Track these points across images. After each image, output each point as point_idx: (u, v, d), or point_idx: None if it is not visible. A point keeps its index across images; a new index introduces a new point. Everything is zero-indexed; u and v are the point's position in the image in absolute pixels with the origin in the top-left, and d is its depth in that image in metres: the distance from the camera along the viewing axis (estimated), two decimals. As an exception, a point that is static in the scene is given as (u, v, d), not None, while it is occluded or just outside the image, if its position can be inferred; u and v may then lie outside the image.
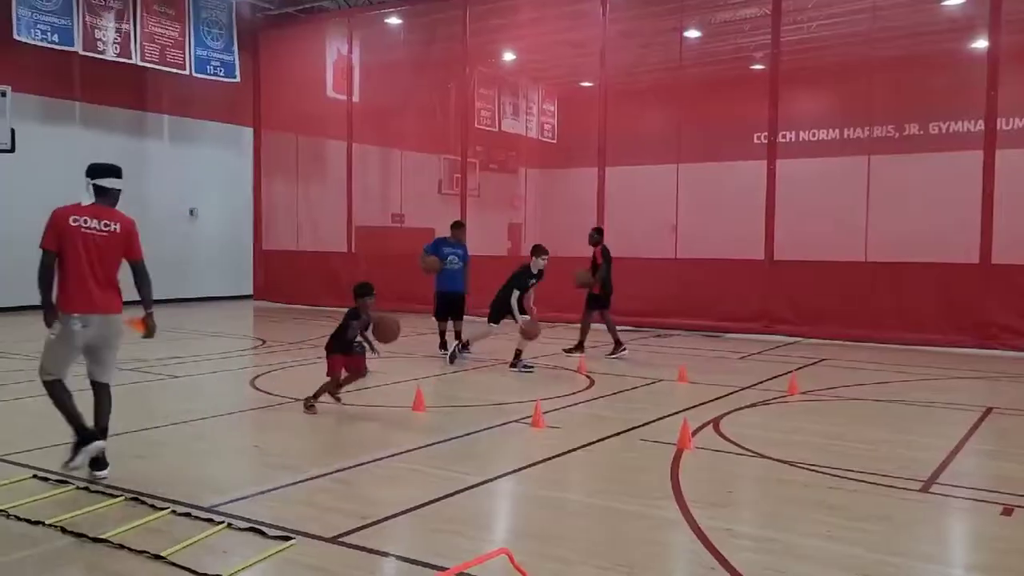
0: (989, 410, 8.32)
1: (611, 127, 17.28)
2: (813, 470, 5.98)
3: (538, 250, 11.13)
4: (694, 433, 6.93)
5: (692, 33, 19.16)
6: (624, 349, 11.89)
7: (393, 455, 6.27)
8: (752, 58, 19.72)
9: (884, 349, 13.13)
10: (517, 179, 25.14)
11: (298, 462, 6.09)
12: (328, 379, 7.83)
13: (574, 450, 6.54)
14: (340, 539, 4.45)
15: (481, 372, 10.66)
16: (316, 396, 7.81)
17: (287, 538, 4.41)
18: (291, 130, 20.72)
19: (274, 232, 21.14)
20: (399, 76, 19.75)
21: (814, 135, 21.92)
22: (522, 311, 10.74)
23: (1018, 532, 4.75)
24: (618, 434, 7.06)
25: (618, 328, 12.16)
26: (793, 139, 21.22)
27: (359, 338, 7.92)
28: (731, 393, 9.08)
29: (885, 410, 8.50)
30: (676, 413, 7.80)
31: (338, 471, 5.81)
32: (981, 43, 14.36)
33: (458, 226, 12.63)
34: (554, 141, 25.68)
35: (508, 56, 22.09)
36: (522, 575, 3.70)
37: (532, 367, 10.59)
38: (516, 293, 10.75)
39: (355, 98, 19.83)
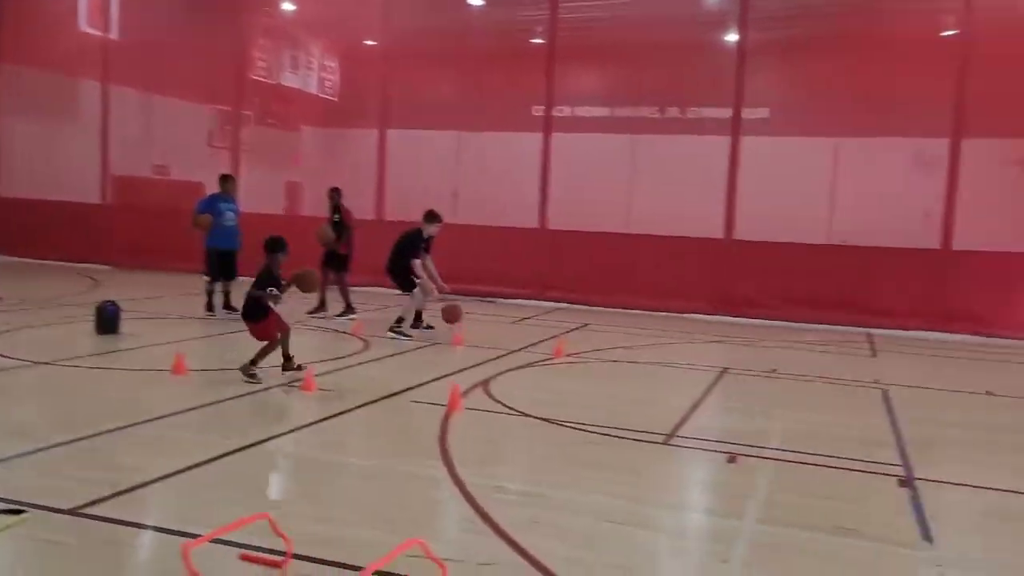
0: (725, 370, 9.26)
1: (394, 89, 17.12)
2: (571, 427, 6.37)
3: (431, 216, 10.78)
4: (464, 394, 7.13)
5: (476, 1, 19.35)
6: (354, 313, 11.71)
7: (148, 421, 5.91)
8: (532, 31, 20.26)
9: (643, 315, 14.17)
10: (296, 136, 24.26)
11: (38, 430, 5.57)
12: (268, 343, 7.44)
13: (344, 413, 6.51)
14: (82, 510, 4.14)
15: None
16: (255, 362, 7.38)
17: (18, 511, 4.04)
18: (35, 64, 18.55)
19: (11, 177, 18.90)
20: (165, 15, 18.26)
21: (588, 111, 23.01)
22: (416, 277, 10.44)
23: (740, 478, 5.35)
24: (390, 396, 7.10)
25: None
26: (569, 113, 22.16)
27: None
28: (502, 356, 9.42)
29: (638, 371, 9.21)
30: (448, 375, 7.98)
31: (85, 438, 5.39)
32: (732, 36, 15.73)
33: (228, 179, 12.02)
34: (335, 99, 25.01)
35: (288, 6, 21.13)
36: (283, 539, 3.65)
37: (411, 336, 10.36)
38: (415, 263, 10.41)
39: (112, 34, 18.11)
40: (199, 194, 19.97)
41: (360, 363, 8.66)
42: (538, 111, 17.60)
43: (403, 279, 10.59)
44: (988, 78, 13.44)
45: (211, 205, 11.53)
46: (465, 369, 8.45)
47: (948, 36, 14.76)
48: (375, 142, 17.02)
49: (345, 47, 24.54)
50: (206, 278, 11.57)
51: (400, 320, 10.44)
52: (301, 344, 9.72)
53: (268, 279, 7.51)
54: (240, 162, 17.21)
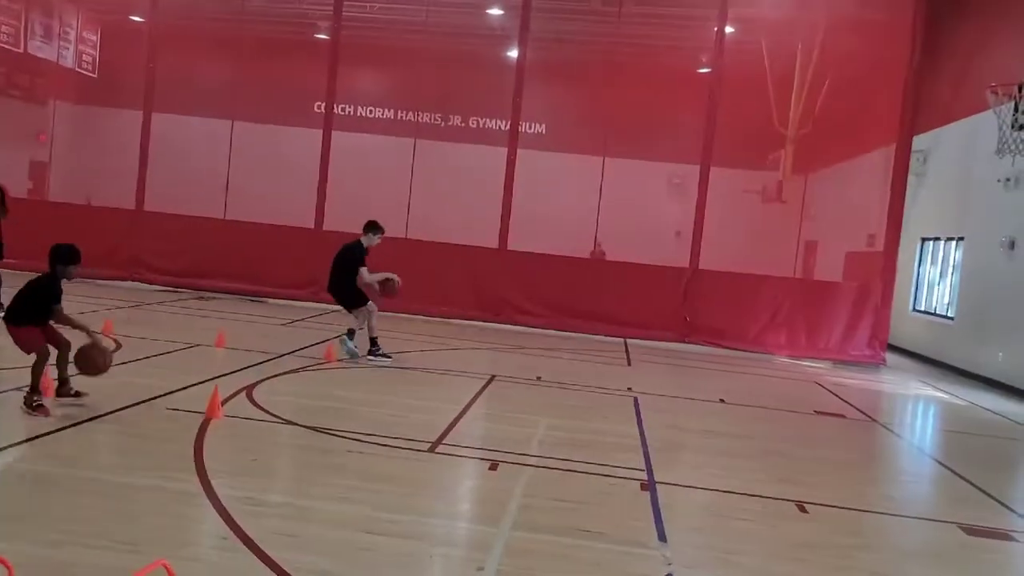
0: (493, 377, 9.57)
1: (162, 70, 16.04)
2: (337, 435, 6.30)
3: (375, 227, 10.00)
4: (225, 401, 6.83)
5: (257, -12, 18.64)
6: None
7: None
8: (316, 27, 19.82)
9: (415, 320, 14.28)
10: (45, 111, 21.99)
11: None
12: (35, 360, 6.16)
13: (87, 421, 6.00)
14: None
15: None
16: (34, 388, 6.09)
17: None
18: None
19: None
20: None
21: (370, 112, 22.87)
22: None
23: (500, 483, 5.56)
24: (142, 403, 6.64)
25: (157, 288, 11.41)
26: (351, 113, 21.90)
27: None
28: (269, 360, 9.11)
29: (409, 377, 9.28)
30: (209, 380, 7.59)
31: None
32: (513, 53, 16.30)
33: None
34: (94, 75, 22.99)
35: (40, -32, 19.16)
36: (5, 566, 3.31)
37: (390, 355, 9.85)
38: (363, 271, 9.75)
39: None
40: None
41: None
42: (319, 108, 17.24)
43: (348, 295, 9.92)
44: (733, 115, 14.95)
45: None
46: (228, 374, 8.08)
47: (702, 73, 16.23)
48: (138, 124, 15.85)
49: (107, 20, 22.64)
50: None
51: (373, 342, 9.84)
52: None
53: (48, 292, 6.30)
54: (-27, 136, 15.34)
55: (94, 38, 22.71)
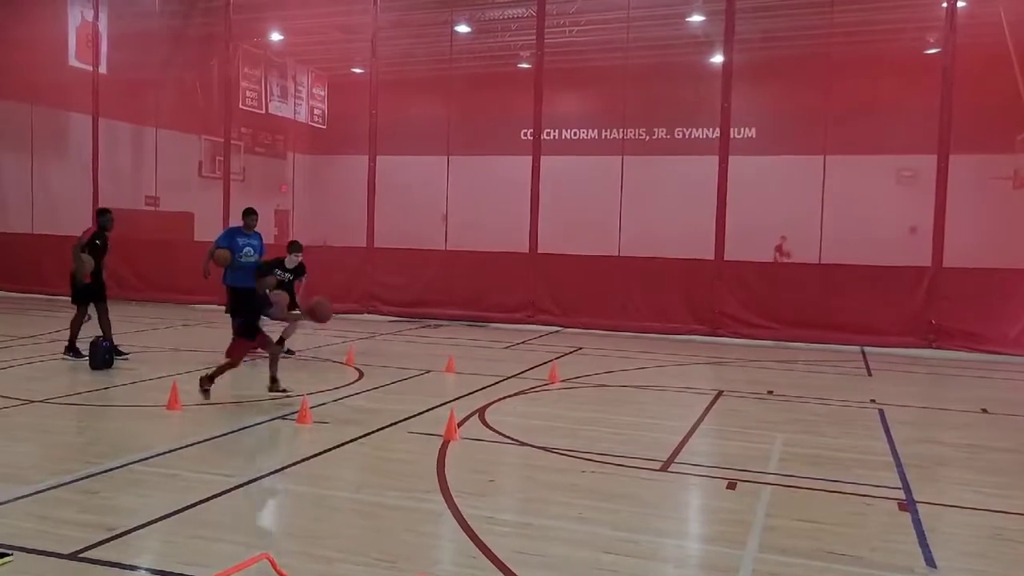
0: (720, 393, 9.26)
1: (382, 116, 17.20)
2: (568, 455, 6.35)
3: (293, 246, 10.80)
4: (461, 423, 7.11)
5: (462, 28, 19.54)
6: None
7: (144, 459, 5.86)
8: (519, 56, 20.46)
9: (633, 337, 14.16)
10: (285, 164, 24.35)
11: (30, 471, 5.51)
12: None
13: (341, 445, 6.47)
14: (81, 554, 4.10)
15: (245, 366, 10.21)
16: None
17: (2, 554, 3.98)
18: (23, 99, 18.56)
19: (3, 212, 18.87)
20: (154, 49, 18.37)
21: (575, 134, 23.19)
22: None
23: (739, 504, 5.34)
24: (386, 427, 7.07)
25: (390, 319, 12.16)
26: (556, 137, 22.33)
27: None
28: (497, 382, 9.39)
29: (634, 395, 9.20)
30: (444, 404, 7.95)
31: (79, 479, 5.34)
32: (718, 58, 15.86)
33: (250, 213, 11.20)
34: (324, 127, 25.14)
35: (275, 36, 21.30)
36: (284, 580, 3.62)
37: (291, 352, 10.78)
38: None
39: (102, 69, 18.16)
40: (189, 224, 19.96)
41: (355, 393, 8.62)
42: (527, 135, 17.70)
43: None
44: (971, 96, 13.57)
45: (229, 240, 10.95)
46: (460, 397, 8.42)
47: (931, 54, 14.93)
48: (364, 167, 17.07)
49: (332, 75, 24.70)
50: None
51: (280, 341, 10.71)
52: (294, 376, 9.70)
53: None
54: (231, 192, 17.21)
55: (322, 93, 24.85)
